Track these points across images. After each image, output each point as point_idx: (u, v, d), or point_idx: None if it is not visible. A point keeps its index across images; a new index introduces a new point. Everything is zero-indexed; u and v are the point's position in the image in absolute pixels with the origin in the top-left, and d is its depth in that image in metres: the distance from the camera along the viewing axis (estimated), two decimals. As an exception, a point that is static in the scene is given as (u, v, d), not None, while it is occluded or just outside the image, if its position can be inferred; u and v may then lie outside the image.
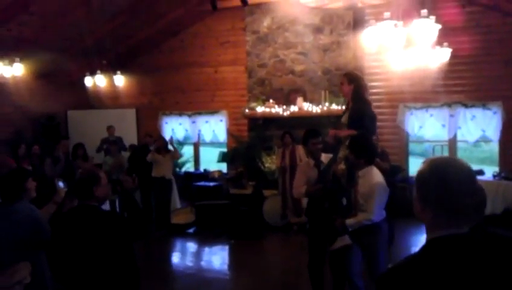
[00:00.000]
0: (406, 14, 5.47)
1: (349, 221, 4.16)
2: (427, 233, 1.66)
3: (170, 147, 8.92)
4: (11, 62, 7.99)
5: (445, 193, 1.59)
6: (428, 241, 1.63)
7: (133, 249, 3.21)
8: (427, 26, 5.27)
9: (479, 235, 1.60)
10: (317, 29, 9.79)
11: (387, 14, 5.16)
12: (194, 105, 11.84)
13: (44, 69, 10.36)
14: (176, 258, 7.76)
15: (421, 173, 1.69)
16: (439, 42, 6.73)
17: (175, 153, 8.88)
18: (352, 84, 4.74)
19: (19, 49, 9.02)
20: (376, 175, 4.21)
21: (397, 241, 7.61)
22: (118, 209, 8.17)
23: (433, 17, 5.26)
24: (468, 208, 1.59)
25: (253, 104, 10.00)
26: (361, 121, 4.54)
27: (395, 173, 8.67)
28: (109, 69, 10.84)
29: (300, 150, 8.31)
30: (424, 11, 5.16)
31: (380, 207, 4.18)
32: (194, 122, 11.94)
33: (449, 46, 7.11)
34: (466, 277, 1.51)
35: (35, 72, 9.71)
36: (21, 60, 8.28)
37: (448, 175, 1.60)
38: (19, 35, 9.26)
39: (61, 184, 3.84)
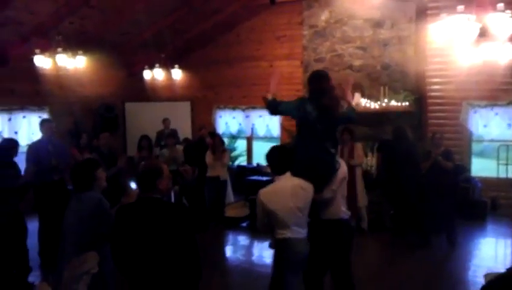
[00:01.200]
0: (480, 8, 5.18)
1: None
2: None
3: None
4: (74, 55, 8.20)
5: None
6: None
7: (196, 240, 3.18)
8: (503, 21, 4.97)
9: None
10: (377, 24, 9.52)
11: (460, 8, 4.90)
12: (248, 99, 11.82)
13: (104, 62, 10.64)
14: (229, 251, 7.77)
15: None
16: (511, 38, 6.36)
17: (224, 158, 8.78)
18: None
19: (81, 42, 9.27)
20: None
21: (460, 244, 7.32)
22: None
23: (509, 12, 4.95)
24: None
25: (308, 99, 9.85)
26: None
27: (459, 173, 8.34)
28: (167, 62, 10.98)
29: (358, 148, 8.13)
30: (501, 5, 4.87)
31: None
32: (247, 116, 11.94)
33: (521, 41, 6.71)
34: None
35: (95, 64, 9.96)
36: (83, 53, 8.50)
37: None
38: (81, 29, 9.53)
39: (132, 185, 3.76)
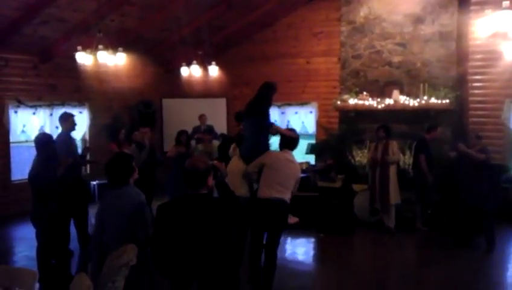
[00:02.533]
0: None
1: None
2: None
3: None
4: (115, 52, 8.34)
5: None
6: None
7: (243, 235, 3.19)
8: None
9: None
10: (418, 19, 9.33)
11: (506, 3, 4.74)
12: (284, 96, 11.73)
13: (143, 59, 10.81)
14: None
15: None
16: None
17: None
18: None
19: (121, 39, 9.43)
20: None
21: (499, 246, 7.11)
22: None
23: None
24: None
25: (345, 96, 9.76)
26: None
27: (500, 172, 8.09)
28: (204, 59, 11.06)
29: (394, 146, 8.00)
30: (550, -1, 4.69)
31: None
32: (283, 113, 11.91)
33: None
34: None
35: (134, 61, 10.11)
36: (123, 50, 8.64)
37: None
38: (121, 26, 9.70)
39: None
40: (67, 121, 6.76)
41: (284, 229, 5.19)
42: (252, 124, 5.83)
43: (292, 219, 5.59)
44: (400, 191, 8.00)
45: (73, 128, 6.89)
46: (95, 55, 8.07)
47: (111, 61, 8.34)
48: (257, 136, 5.75)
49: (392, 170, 7.97)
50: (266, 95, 5.89)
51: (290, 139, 5.41)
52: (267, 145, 5.73)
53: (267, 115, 5.80)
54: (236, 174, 5.71)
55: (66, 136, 6.75)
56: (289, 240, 7.99)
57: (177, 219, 3.12)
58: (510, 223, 8.25)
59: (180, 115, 11.80)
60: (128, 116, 11.50)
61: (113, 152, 7.38)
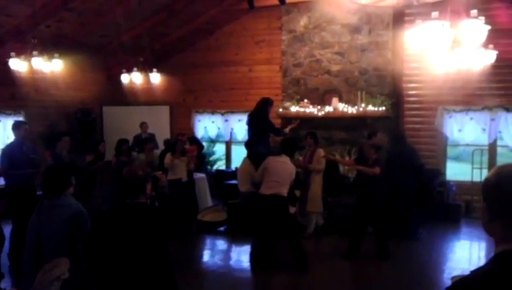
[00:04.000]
0: (454, 14, 5.28)
1: None
2: (497, 245, 1.53)
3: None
4: (50, 58, 8.09)
5: None
6: (499, 253, 1.51)
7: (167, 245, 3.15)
8: (476, 27, 5.07)
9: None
10: (355, 29, 9.63)
11: (435, 14, 4.98)
12: (227, 104, 11.84)
13: (81, 65, 10.53)
14: (206, 256, 7.73)
15: (489, 181, 1.56)
16: (485, 44, 6.48)
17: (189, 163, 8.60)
18: None
19: (58, 45, 9.15)
20: None
21: (435, 246, 7.43)
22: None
23: (482, 18, 5.05)
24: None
25: (287, 104, 9.91)
26: None
27: (433, 176, 8.47)
28: (145, 66, 10.91)
29: (319, 154, 8.06)
30: (474, 12, 4.96)
31: None
32: (226, 120, 11.94)
33: (494, 48, 6.85)
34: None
35: (72, 67, 9.84)
36: (60, 56, 8.40)
37: None
38: (57, 32, 9.41)
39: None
40: (20, 129, 6.76)
41: (288, 216, 6.52)
42: (254, 132, 7.88)
43: (292, 209, 6.99)
44: (322, 200, 8.03)
45: (25, 136, 6.85)
46: (29, 61, 7.80)
47: (47, 68, 8.09)
48: (258, 141, 7.78)
49: (316, 178, 7.97)
50: (263, 109, 7.81)
51: (288, 146, 6.63)
52: (267, 147, 7.70)
53: (267, 125, 7.93)
54: (242, 172, 7.70)
55: (18, 144, 6.71)
56: (233, 247, 8.01)
57: (113, 229, 3.04)
58: (445, 224, 8.62)
59: (122, 123, 11.57)
60: (67, 124, 11.17)
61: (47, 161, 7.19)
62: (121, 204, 3.18)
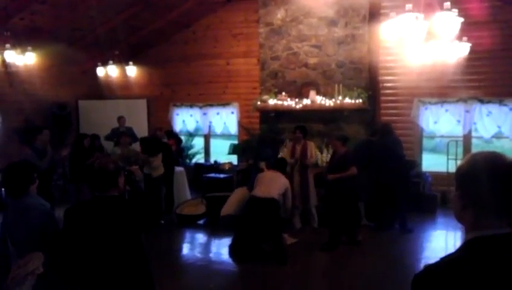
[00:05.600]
0: (428, 7, 5.33)
1: None
2: (467, 232, 1.55)
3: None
4: (23, 51, 7.95)
5: (490, 190, 1.49)
6: (469, 240, 1.53)
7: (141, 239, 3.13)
8: (450, 20, 5.13)
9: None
10: (332, 22, 9.66)
11: (409, 6, 5.02)
12: (205, 97, 11.79)
13: (56, 59, 10.35)
14: (185, 249, 7.72)
15: (462, 169, 1.58)
16: (459, 36, 6.58)
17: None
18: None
19: (31, 38, 8.98)
20: None
21: (413, 236, 7.55)
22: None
23: (455, 10, 5.12)
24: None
25: (265, 97, 9.90)
26: None
27: (409, 167, 8.57)
28: (121, 59, 10.79)
29: (312, 147, 8.17)
30: (447, 4, 5.02)
31: None
32: (205, 114, 11.90)
33: (468, 40, 6.96)
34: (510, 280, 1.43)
35: (47, 61, 9.67)
36: (33, 49, 8.24)
37: (494, 171, 1.50)
38: (31, 25, 9.23)
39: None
40: None
41: (277, 218, 6.66)
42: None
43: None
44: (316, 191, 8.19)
45: None
46: (1, 54, 7.66)
47: (20, 61, 7.95)
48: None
49: (310, 173, 8.13)
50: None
51: (281, 165, 7.26)
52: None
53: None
54: (234, 197, 7.96)
55: None
56: (213, 240, 8.01)
57: (84, 223, 2.99)
58: (421, 214, 8.74)
59: (98, 117, 11.43)
60: (42, 119, 10.98)
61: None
62: (92, 197, 3.14)
